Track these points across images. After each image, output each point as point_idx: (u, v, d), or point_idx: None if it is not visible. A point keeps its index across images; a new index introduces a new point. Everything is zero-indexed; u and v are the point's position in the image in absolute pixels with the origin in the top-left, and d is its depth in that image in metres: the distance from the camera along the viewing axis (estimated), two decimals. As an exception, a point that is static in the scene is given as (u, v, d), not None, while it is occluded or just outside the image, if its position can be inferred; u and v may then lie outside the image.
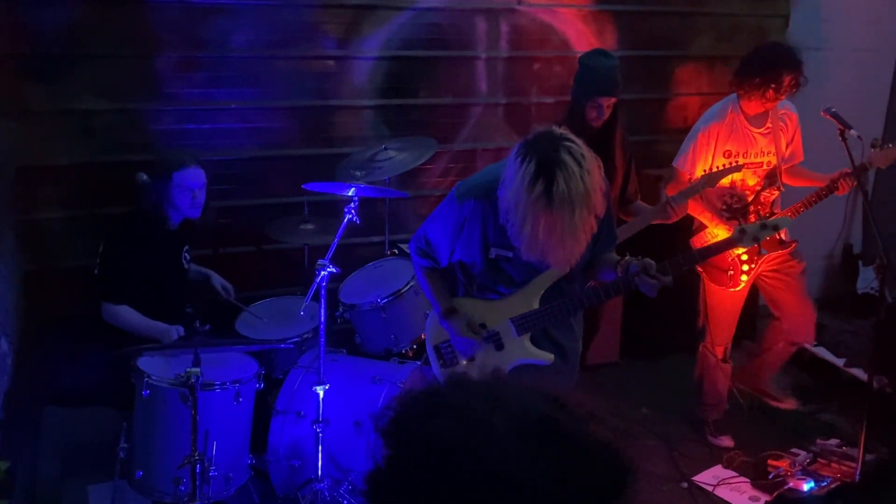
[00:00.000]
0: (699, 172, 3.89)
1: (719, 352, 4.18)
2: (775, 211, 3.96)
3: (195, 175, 3.59)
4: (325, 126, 4.69)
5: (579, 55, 3.74)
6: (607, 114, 3.60)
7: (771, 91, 3.69)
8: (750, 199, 3.92)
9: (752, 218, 3.88)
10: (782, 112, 3.92)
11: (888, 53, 5.94)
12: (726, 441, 4.27)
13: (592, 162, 2.45)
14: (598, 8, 5.12)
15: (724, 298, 4.07)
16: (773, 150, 3.90)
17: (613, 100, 3.58)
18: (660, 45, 5.37)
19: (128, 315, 3.51)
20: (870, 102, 5.80)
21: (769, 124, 3.88)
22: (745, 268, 3.95)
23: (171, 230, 3.66)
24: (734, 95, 3.89)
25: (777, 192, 3.96)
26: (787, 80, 3.67)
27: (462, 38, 4.87)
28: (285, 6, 4.44)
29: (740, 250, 3.90)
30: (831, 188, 3.83)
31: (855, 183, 3.77)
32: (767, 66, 3.70)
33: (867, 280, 5.89)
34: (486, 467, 0.86)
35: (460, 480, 0.86)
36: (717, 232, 3.94)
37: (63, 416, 3.75)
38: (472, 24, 4.87)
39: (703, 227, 4.03)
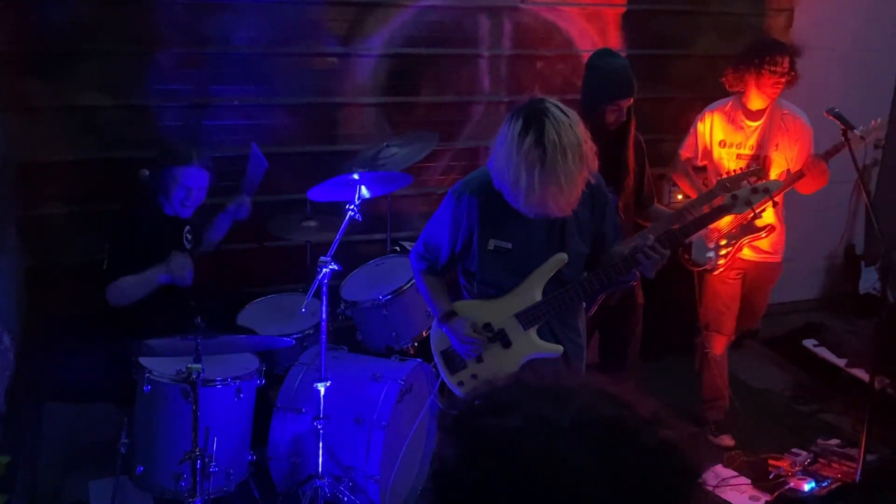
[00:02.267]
0: (691, 155, 4.10)
1: (720, 343, 4.18)
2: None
3: (196, 175, 3.52)
4: (328, 123, 4.69)
5: (586, 56, 3.69)
6: (625, 115, 3.54)
7: (765, 74, 3.79)
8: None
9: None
10: (785, 112, 3.99)
11: (891, 54, 5.93)
12: (727, 440, 4.27)
13: (577, 117, 2.53)
14: (601, 6, 5.11)
15: (717, 284, 4.11)
16: (762, 141, 3.99)
17: (632, 100, 3.51)
18: (663, 45, 5.36)
19: (124, 282, 3.41)
20: (873, 103, 5.78)
21: (766, 120, 3.97)
22: (723, 252, 4.02)
23: (169, 215, 3.63)
24: (738, 93, 3.99)
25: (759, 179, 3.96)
26: (779, 61, 3.78)
27: (465, 36, 4.86)
28: (288, 3, 4.44)
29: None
30: (799, 174, 3.88)
31: (823, 163, 3.85)
32: (757, 50, 3.85)
33: (869, 280, 5.89)
34: (551, 462, 0.87)
35: (526, 475, 0.87)
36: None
37: (64, 411, 3.76)
38: (475, 22, 4.86)
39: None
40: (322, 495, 3.29)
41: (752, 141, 3.99)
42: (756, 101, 3.93)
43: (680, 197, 4.82)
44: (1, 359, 3.45)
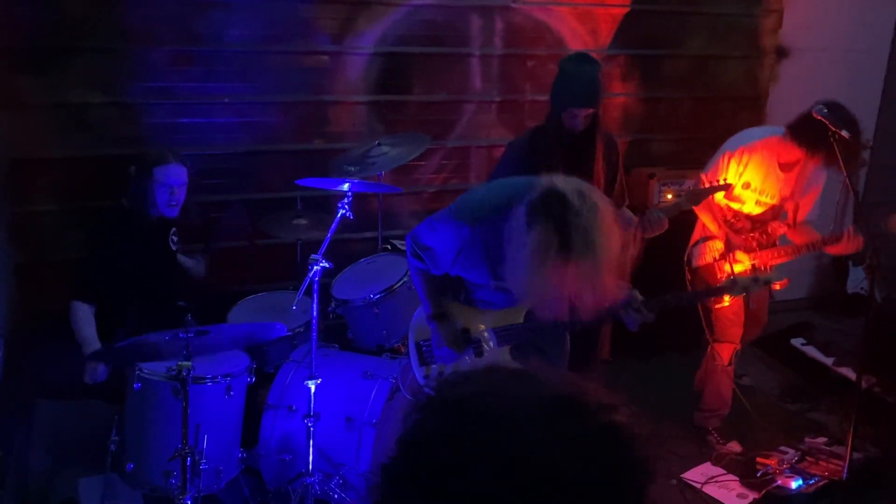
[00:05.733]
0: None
1: (727, 352, 4.12)
2: (776, 243, 4.04)
3: (175, 172, 3.56)
4: (319, 121, 4.69)
5: (561, 57, 3.68)
6: (585, 123, 3.40)
7: (820, 156, 3.67)
8: (749, 226, 3.99)
9: (753, 243, 3.98)
10: (813, 172, 3.93)
11: (880, 54, 5.97)
12: (735, 447, 4.22)
13: (608, 214, 2.30)
14: (592, 6, 5.13)
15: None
16: (788, 194, 3.95)
17: (591, 110, 3.38)
18: (654, 44, 5.38)
19: (78, 313, 3.45)
20: (861, 103, 5.79)
21: (797, 171, 3.91)
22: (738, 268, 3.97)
23: (154, 220, 3.64)
24: (781, 131, 3.85)
25: (785, 227, 4.03)
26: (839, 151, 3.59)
27: (457, 35, 4.87)
28: (280, 1, 4.44)
29: (741, 259, 3.95)
30: (836, 238, 3.83)
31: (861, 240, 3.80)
32: (824, 133, 3.60)
33: (857, 280, 5.93)
34: (507, 431, 0.89)
35: (482, 442, 0.89)
36: (716, 245, 4.00)
37: (54, 408, 3.75)
38: (466, 21, 4.87)
39: (704, 241, 4.07)
40: (312, 493, 3.29)
41: (777, 191, 3.92)
42: (793, 156, 3.84)
43: (669, 196, 4.84)
44: (-9, 356, 3.45)
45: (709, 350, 4.21)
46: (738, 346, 4.17)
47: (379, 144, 4.22)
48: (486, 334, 2.84)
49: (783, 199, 3.97)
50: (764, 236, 4.02)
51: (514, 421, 0.90)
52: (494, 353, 2.86)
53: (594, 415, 0.93)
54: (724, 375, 4.20)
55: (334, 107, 4.71)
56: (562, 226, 2.20)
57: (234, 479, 3.36)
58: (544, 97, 4.98)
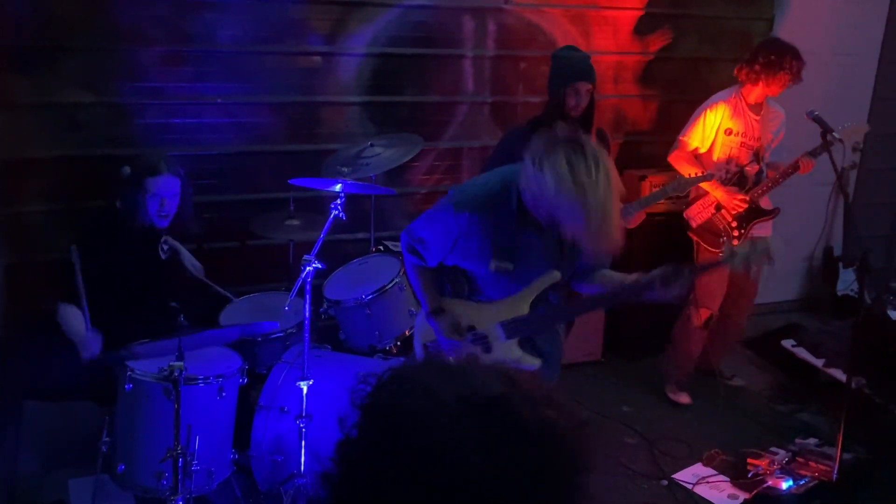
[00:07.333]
0: (696, 142, 4.28)
1: (703, 315, 4.41)
2: (760, 178, 4.31)
3: (167, 184, 3.51)
4: (312, 122, 4.68)
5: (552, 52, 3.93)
6: (586, 100, 3.76)
7: (781, 74, 4.07)
8: (736, 169, 4.29)
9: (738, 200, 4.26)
10: (773, 110, 4.31)
11: (870, 58, 6.00)
12: (684, 398, 4.57)
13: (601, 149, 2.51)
14: (584, 9, 5.14)
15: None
16: (761, 136, 4.27)
17: (590, 86, 3.75)
18: (645, 47, 5.39)
19: (65, 313, 3.41)
20: (852, 106, 5.85)
21: (763, 113, 4.26)
22: (736, 234, 4.25)
23: (145, 226, 3.60)
24: (737, 85, 4.31)
25: (758, 167, 4.30)
26: (791, 64, 4.07)
27: (449, 37, 4.88)
28: (273, 1, 4.43)
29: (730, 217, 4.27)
30: (795, 166, 4.12)
31: (814, 162, 4.09)
32: (776, 51, 4.12)
33: (847, 282, 5.96)
34: (433, 436, 0.91)
35: (410, 447, 0.91)
36: (710, 200, 4.30)
37: (44, 409, 3.73)
38: (459, 23, 4.88)
39: (697, 198, 4.37)
40: (304, 494, 3.28)
41: (753, 132, 4.25)
42: (757, 97, 4.21)
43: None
44: (-20, 356, 3.43)
45: (685, 311, 4.50)
46: (716, 313, 4.46)
47: (371, 145, 4.21)
48: (493, 330, 2.82)
49: (759, 140, 4.26)
50: (744, 179, 4.29)
51: (442, 425, 0.91)
52: (503, 346, 2.83)
53: (525, 412, 0.93)
54: (695, 335, 4.50)
55: (326, 108, 4.71)
56: (569, 151, 2.39)
57: (226, 480, 3.35)
58: (537, 98, 5.04)
